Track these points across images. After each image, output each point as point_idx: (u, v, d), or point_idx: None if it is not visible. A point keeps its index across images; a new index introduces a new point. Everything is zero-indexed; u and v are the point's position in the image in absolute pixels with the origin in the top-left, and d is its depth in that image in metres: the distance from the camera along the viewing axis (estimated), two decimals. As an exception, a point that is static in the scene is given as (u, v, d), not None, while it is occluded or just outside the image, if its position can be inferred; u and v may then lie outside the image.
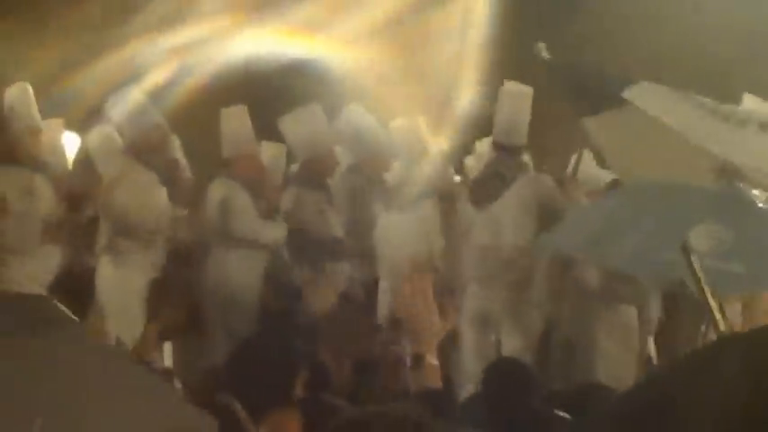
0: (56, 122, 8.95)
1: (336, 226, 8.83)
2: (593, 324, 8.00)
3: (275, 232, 8.60)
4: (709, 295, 4.69)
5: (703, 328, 6.63)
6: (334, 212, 8.87)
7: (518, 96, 8.25)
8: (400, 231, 8.50)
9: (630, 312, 7.99)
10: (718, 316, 4.69)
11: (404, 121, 9.08)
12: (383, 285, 8.59)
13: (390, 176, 9.03)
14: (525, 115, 8.21)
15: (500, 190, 8.05)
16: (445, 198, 8.62)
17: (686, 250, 4.83)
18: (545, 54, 6.80)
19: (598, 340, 7.95)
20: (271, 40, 9.98)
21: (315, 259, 8.62)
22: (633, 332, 8.00)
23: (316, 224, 8.75)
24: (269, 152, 9.27)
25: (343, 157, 9.14)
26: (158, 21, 10.12)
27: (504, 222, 8.02)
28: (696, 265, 4.77)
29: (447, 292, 7.45)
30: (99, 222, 8.49)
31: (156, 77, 8.98)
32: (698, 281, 4.73)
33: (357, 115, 9.10)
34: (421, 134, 9.01)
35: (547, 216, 7.84)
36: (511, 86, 8.30)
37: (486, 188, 8.13)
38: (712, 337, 5.67)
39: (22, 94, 8.38)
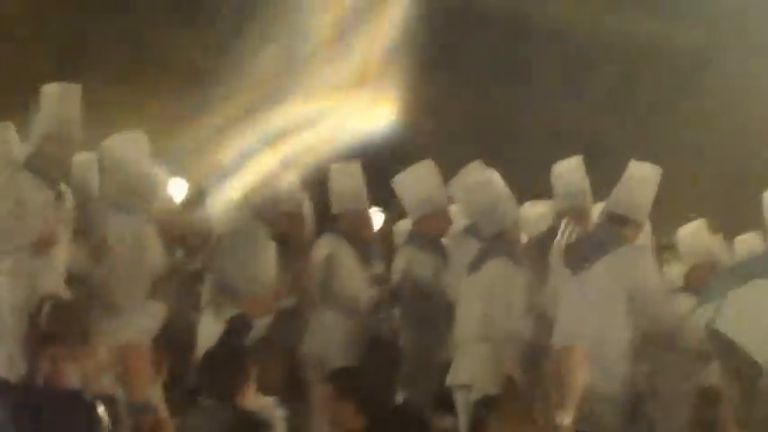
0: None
1: (451, 289, 8.41)
2: None
3: (377, 293, 8.52)
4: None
5: None
6: (449, 275, 8.51)
7: (644, 175, 7.92)
8: (471, 293, 8.14)
9: None
10: None
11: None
12: None
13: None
14: (650, 193, 7.90)
15: (597, 256, 7.84)
16: (516, 258, 8.25)
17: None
18: None
19: None
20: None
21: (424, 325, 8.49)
22: None
23: (428, 287, 8.54)
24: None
25: (459, 217, 8.79)
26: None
27: (591, 291, 7.75)
28: None
29: None
30: (203, 277, 8.48)
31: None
32: None
33: (473, 173, 8.74)
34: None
35: (639, 293, 7.64)
36: (637, 166, 7.95)
37: (583, 252, 7.95)
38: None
39: (135, 141, 8.28)
